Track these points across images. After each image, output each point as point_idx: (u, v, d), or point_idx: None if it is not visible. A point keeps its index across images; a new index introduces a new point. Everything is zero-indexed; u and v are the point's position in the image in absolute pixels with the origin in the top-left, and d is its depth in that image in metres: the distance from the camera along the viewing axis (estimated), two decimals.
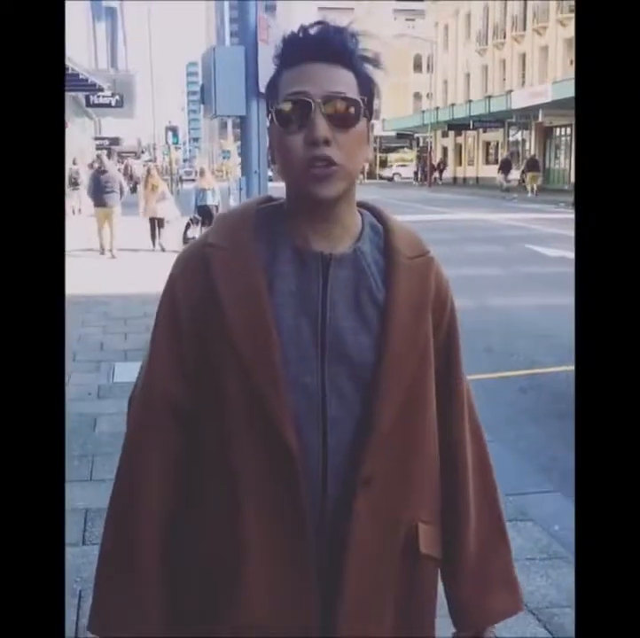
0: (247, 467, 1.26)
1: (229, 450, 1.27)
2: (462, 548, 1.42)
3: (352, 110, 1.23)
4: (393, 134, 56.20)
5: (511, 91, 38.69)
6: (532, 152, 40.79)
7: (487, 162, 46.95)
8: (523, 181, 36.31)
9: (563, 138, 40.53)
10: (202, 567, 1.30)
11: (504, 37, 45.41)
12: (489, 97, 41.07)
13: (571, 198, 30.53)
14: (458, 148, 52.86)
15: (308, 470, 1.26)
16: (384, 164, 63.31)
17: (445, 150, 54.86)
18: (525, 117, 38.34)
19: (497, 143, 45.44)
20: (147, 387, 1.33)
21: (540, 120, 37.36)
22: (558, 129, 40.63)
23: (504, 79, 45.36)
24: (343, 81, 1.23)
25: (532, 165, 35.74)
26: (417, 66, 65.86)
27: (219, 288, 1.25)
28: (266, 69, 4.97)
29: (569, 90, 32.78)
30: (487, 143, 47.17)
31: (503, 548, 1.47)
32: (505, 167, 38.88)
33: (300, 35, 1.25)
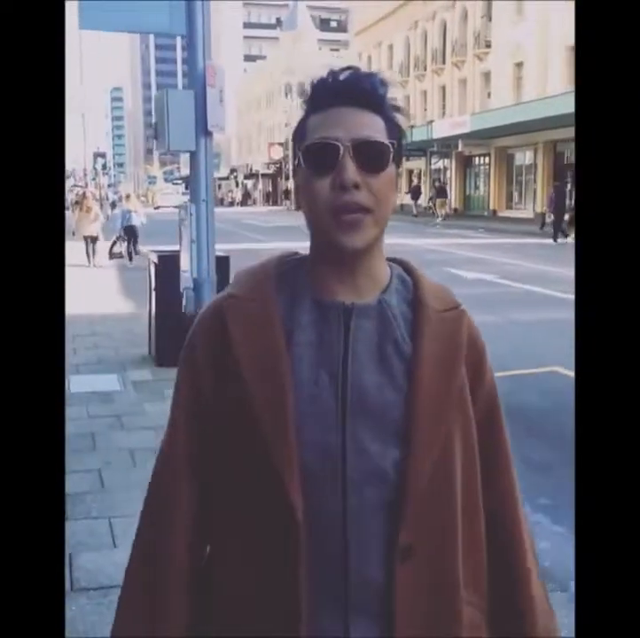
0: (254, 534, 1.19)
1: (239, 514, 1.20)
2: None
3: (381, 154, 1.19)
4: None
5: (431, 122, 40.03)
6: (453, 180, 42.37)
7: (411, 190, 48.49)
8: (432, 207, 37.83)
9: (482, 167, 42.16)
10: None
11: (425, 70, 46.91)
12: (412, 126, 42.43)
13: (490, 224, 31.91)
14: None
15: (324, 541, 1.16)
16: None
17: None
18: (446, 146, 39.54)
19: (420, 171, 46.87)
20: (170, 453, 1.29)
21: (460, 149, 38.77)
22: (476, 158, 42.25)
23: (426, 109, 46.77)
24: (373, 126, 1.19)
25: (440, 192, 37.52)
26: None
27: (234, 339, 1.20)
28: (213, 110, 5.55)
29: (486, 122, 34.26)
30: (410, 171, 48.60)
31: None
32: (415, 194, 40.60)
33: (330, 79, 1.22)
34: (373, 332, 1.22)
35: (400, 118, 1.25)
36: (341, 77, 1.22)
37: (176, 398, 1.29)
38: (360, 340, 1.21)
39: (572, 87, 29.76)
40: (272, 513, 1.15)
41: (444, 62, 44.64)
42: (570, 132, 31.92)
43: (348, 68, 1.23)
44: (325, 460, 1.16)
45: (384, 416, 1.18)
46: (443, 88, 45.19)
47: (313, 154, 1.19)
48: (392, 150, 1.20)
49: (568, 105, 26.81)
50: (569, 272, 15.83)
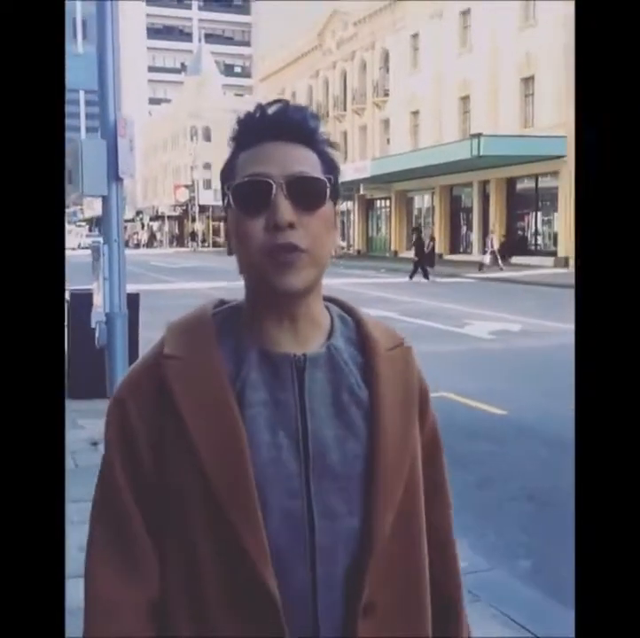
0: (223, 613, 1.10)
1: (201, 590, 1.10)
2: None
3: (317, 191, 1.11)
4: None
5: None
6: (356, 223, 43.68)
7: None
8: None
9: (383, 210, 43.65)
10: None
11: (327, 116, 47.91)
12: None
13: (391, 265, 33.07)
14: None
15: (293, 613, 1.09)
16: (217, 232, 64.96)
17: None
18: (348, 190, 40.48)
19: None
20: (107, 516, 1.16)
21: (362, 192, 40.14)
22: (378, 201, 43.76)
23: None
24: (306, 161, 1.12)
25: None
26: None
27: (180, 404, 1.10)
28: (124, 158, 6.07)
29: (386, 166, 35.61)
30: None
31: None
32: None
33: (258, 114, 1.15)
34: (327, 383, 1.15)
35: (333, 153, 1.18)
36: (270, 111, 1.15)
37: (107, 470, 1.17)
38: (315, 394, 1.14)
39: (463, 135, 31.48)
40: (244, 595, 1.09)
41: (345, 109, 46.10)
42: (464, 177, 33.65)
43: (277, 101, 1.16)
44: (292, 528, 1.10)
45: (347, 473, 1.13)
46: (345, 133, 46.51)
47: (244, 193, 1.12)
48: (328, 185, 1.13)
49: (462, 152, 28.37)
50: (464, 307, 16.85)
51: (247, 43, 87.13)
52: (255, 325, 1.16)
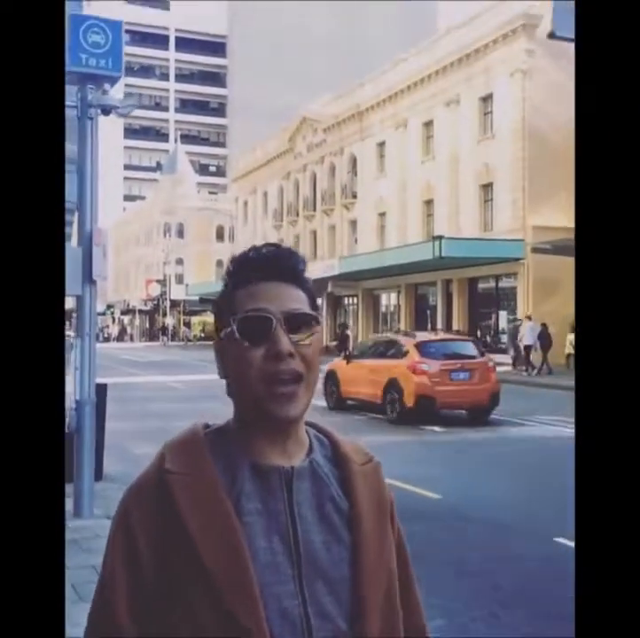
0: None
1: None
2: None
3: (309, 324, 1.26)
4: (196, 298, 58.50)
5: None
6: (325, 319, 44.38)
7: None
8: None
9: (351, 307, 44.52)
10: None
11: (297, 216, 49.48)
12: None
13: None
14: None
15: None
16: (188, 326, 65.62)
17: None
18: (318, 287, 41.11)
19: None
20: (104, 621, 1.21)
21: (330, 290, 40.93)
22: (346, 298, 44.69)
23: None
24: (298, 299, 1.27)
25: None
26: (220, 236, 69.99)
27: (185, 515, 1.18)
28: (97, 264, 6.76)
29: (353, 265, 36.58)
30: None
31: None
32: None
33: (252, 254, 1.29)
34: (311, 493, 1.26)
35: (313, 290, 1.32)
36: (265, 252, 1.30)
37: (111, 575, 1.22)
38: (302, 503, 1.24)
39: (427, 237, 32.72)
40: None
41: (315, 209, 47.33)
42: (429, 276, 34.74)
43: (270, 245, 1.31)
44: (291, 627, 1.18)
45: (335, 575, 1.22)
46: (314, 232, 47.71)
47: (248, 326, 1.23)
48: (316, 319, 1.28)
49: (424, 253, 29.50)
50: None
51: (222, 144, 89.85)
52: (246, 442, 1.27)
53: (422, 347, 14.48)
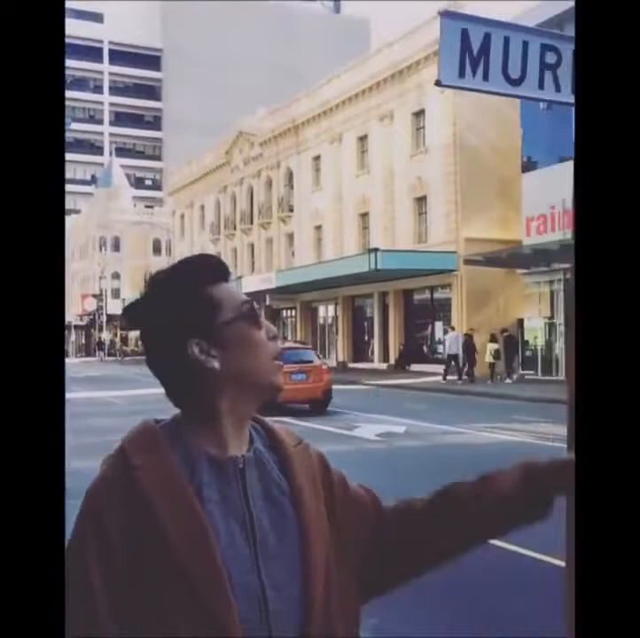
0: None
1: None
2: None
3: (273, 314, 2.13)
4: None
5: (240, 277, 41.79)
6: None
7: None
8: None
9: (289, 319, 44.63)
10: None
11: (235, 229, 49.46)
12: None
13: None
14: None
15: None
16: (125, 341, 64.88)
17: None
18: (256, 300, 41.10)
19: None
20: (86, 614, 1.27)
21: (268, 303, 40.81)
22: (284, 311, 44.76)
23: (236, 265, 48.74)
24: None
25: None
26: (157, 250, 69.44)
27: (154, 506, 1.28)
28: None
29: (291, 278, 36.73)
30: None
31: None
32: None
33: (211, 258, 1.42)
34: (258, 479, 1.38)
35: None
36: (202, 260, 1.42)
37: (86, 558, 1.28)
38: (253, 487, 1.36)
39: (363, 249, 33.15)
40: None
41: (252, 223, 47.40)
42: (365, 288, 35.20)
43: (204, 255, 1.44)
44: (251, 599, 1.30)
45: (286, 550, 1.35)
46: (252, 246, 47.72)
47: (252, 313, 1.39)
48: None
49: (361, 265, 29.91)
50: (357, 412, 17.62)
51: (158, 158, 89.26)
52: (201, 435, 1.37)
53: None
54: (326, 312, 41.17)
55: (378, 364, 34.32)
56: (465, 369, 26.63)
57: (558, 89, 1.83)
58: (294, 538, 1.37)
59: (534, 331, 27.69)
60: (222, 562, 1.29)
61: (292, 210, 43.03)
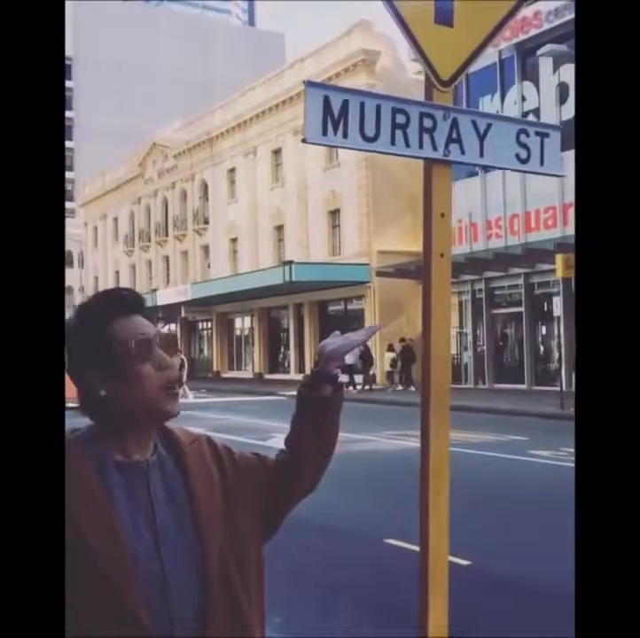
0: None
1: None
2: None
3: (174, 340, 1.60)
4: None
5: (156, 290, 41.83)
6: (180, 344, 44.04)
7: None
8: None
9: (205, 331, 44.57)
10: None
11: (149, 241, 48.95)
12: None
13: (214, 385, 33.70)
14: None
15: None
16: None
17: None
18: (171, 312, 40.46)
19: None
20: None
21: (183, 315, 40.78)
22: (200, 323, 44.71)
23: (151, 278, 48.62)
24: (153, 326, 1.59)
25: None
26: (69, 262, 67.95)
27: (70, 508, 1.44)
28: None
29: (206, 290, 36.70)
30: None
31: None
32: None
33: (118, 293, 1.60)
34: (162, 478, 1.59)
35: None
36: (118, 292, 1.61)
37: None
38: (156, 486, 1.57)
39: (278, 262, 33.45)
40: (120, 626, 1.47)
41: (167, 235, 47.07)
42: (281, 300, 35.45)
43: (119, 288, 1.64)
44: (156, 582, 1.51)
45: (184, 536, 1.56)
46: (167, 258, 47.37)
47: (135, 348, 1.52)
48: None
49: (276, 278, 30.20)
50: (273, 423, 17.90)
51: (70, 168, 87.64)
52: (112, 443, 1.56)
53: None
54: (242, 323, 41.25)
55: (294, 375, 34.57)
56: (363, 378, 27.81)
57: (407, 144, 2.18)
58: (190, 525, 1.57)
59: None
60: (129, 553, 1.48)
61: (207, 222, 43.03)
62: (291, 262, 30.03)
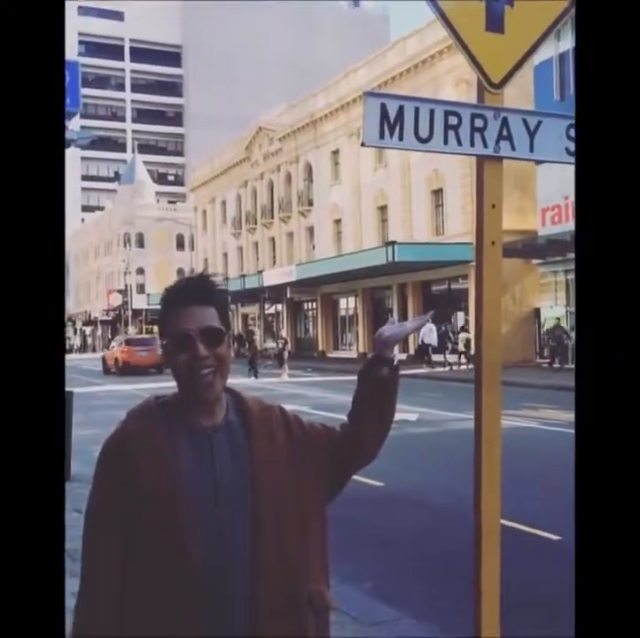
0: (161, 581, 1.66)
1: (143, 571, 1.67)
2: None
3: (218, 334, 1.74)
4: (158, 307, 58.16)
5: (262, 271, 42.63)
6: (285, 324, 44.86)
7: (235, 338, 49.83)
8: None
9: (310, 311, 45.14)
10: None
11: (256, 223, 49.87)
12: (243, 275, 44.72)
13: (319, 364, 34.18)
14: None
15: (216, 586, 1.67)
16: (150, 334, 65.45)
17: None
18: (277, 293, 41.47)
19: (255, 316, 48.96)
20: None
21: (289, 295, 41.37)
22: (305, 304, 45.29)
23: (258, 259, 49.56)
24: (210, 317, 1.75)
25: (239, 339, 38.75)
26: (180, 245, 70.07)
27: (139, 465, 1.69)
28: None
29: (311, 271, 37.10)
30: (246, 316, 50.89)
31: None
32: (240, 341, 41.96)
33: (183, 283, 1.83)
34: (225, 442, 1.75)
35: (227, 306, 1.81)
36: (190, 283, 1.82)
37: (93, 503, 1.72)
38: (219, 449, 1.74)
39: (382, 242, 33.48)
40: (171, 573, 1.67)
41: (272, 217, 47.87)
42: (384, 281, 35.52)
43: (200, 275, 1.83)
44: (215, 535, 1.68)
45: (242, 495, 1.72)
46: (273, 239, 48.19)
47: (178, 341, 1.73)
48: (224, 331, 1.77)
49: (379, 258, 30.31)
50: None
51: (180, 153, 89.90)
52: (183, 410, 1.77)
53: (128, 342, 34.33)
54: (347, 304, 41.50)
55: (398, 355, 34.50)
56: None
57: (459, 143, 2.41)
58: (248, 484, 1.73)
59: (552, 320, 28.03)
60: (190, 514, 1.67)
61: (311, 204, 43.46)
62: (394, 243, 30.01)
